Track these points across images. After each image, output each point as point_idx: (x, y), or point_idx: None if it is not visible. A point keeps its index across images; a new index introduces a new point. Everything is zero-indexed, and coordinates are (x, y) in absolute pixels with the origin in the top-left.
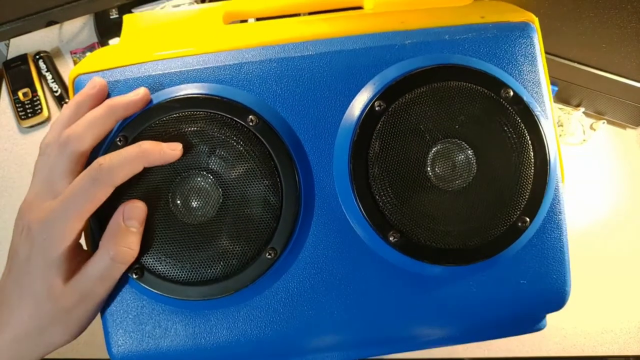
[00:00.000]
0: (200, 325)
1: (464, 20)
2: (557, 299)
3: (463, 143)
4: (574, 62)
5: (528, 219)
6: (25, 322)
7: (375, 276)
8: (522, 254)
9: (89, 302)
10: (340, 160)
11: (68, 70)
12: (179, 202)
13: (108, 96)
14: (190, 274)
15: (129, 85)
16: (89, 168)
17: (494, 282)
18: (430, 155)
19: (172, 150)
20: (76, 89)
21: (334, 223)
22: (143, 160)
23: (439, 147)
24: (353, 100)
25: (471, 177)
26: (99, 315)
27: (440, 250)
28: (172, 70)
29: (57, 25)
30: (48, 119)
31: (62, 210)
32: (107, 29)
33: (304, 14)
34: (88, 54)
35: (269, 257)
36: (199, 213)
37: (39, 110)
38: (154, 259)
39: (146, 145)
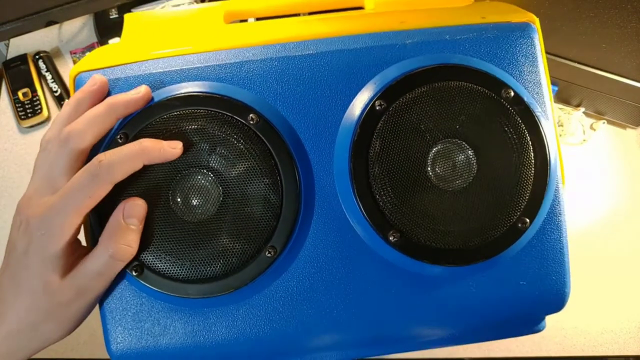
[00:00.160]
0: (199, 323)
1: (465, 20)
2: (556, 301)
3: (463, 143)
4: (574, 62)
5: (528, 220)
6: (21, 317)
7: (375, 276)
8: (522, 255)
9: (85, 298)
10: (340, 160)
11: (68, 70)
12: (179, 199)
13: (109, 94)
14: (190, 271)
15: (129, 83)
16: (88, 164)
17: (494, 282)
18: (431, 155)
19: (172, 149)
20: (77, 87)
21: (334, 222)
22: (143, 157)
23: (439, 147)
24: (354, 100)
25: (471, 178)
26: (99, 315)
27: (440, 251)
28: (173, 69)
29: (57, 25)
30: (48, 119)
31: (61, 206)
32: (107, 29)
33: (305, 14)
34: (88, 54)
35: (269, 255)
36: (199, 211)
37: (39, 110)
38: (153, 256)
39: (146, 143)
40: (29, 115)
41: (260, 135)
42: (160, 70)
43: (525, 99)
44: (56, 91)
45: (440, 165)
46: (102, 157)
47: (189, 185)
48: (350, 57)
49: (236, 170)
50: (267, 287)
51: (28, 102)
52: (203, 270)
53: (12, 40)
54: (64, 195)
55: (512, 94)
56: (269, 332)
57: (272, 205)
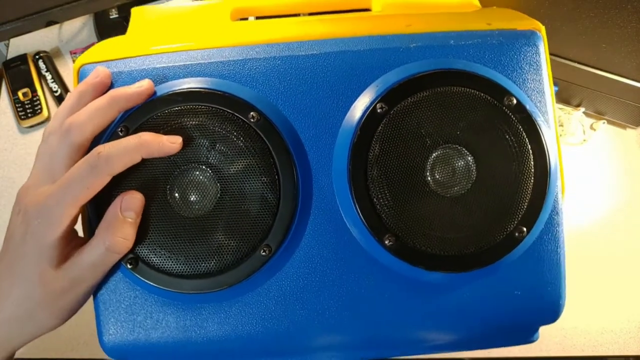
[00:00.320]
0: (191, 319)
1: (470, 26)
2: (551, 312)
3: (463, 149)
4: (574, 62)
5: (525, 229)
6: (15, 305)
7: (369, 279)
8: (518, 264)
9: (79, 289)
10: (339, 161)
11: (68, 70)
12: (176, 194)
13: (111, 86)
14: (185, 266)
15: (132, 77)
16: (87, 156)
17: (488, 291)
18: (430, 160)
19: (171, 143)
20: (80, 78)
21: (331, 223)
22: (142, 151)
23: (439, 152)
24: (355, 102)
25: (470, 184)
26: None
27: (435, 256)
28: (176, 64)
29: (57, 25)
30: (48, 119)
31: (59, 196)
32: (107, 29)
33: (310, 14)
34: (92, 46)
35: (264, 254)
36: (196, 207)
37: (39, 110)
38: (149, 250)
39: (146, 137)
40: (29, 115)
41: (260, 134)
42: (164, 65)
43: (528, 107)
44: (56, 91)
45: (439, 171)
46: (102, 148)
47: (187, 180)
48: (353, 58)
49: (235, 168)
50: (261, 286)
51: (28, 102)
52: (197, 266)
53: (12, 40)
54: (62, 185)
55: (515, 101)
56: (261, 331)
57: (269, 204)
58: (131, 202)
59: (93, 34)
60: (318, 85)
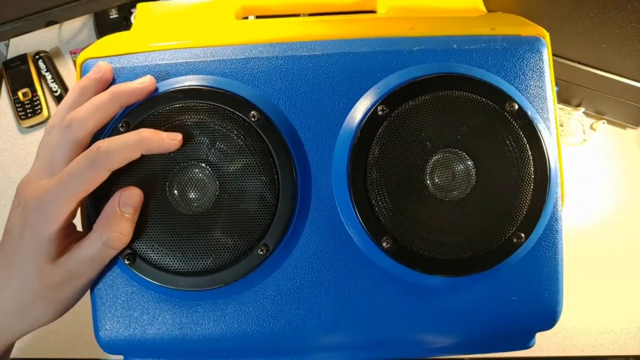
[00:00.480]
0: (187, 316)
1: (474, 30)
2: (547, 319)
3: (464, 154)
4: (574, 62)
5: (523, 235)
6: (12, 297)
7: (366, 281)
8: (516, 270)
9: (75, 283)
10: (339, 162)
11: (68, 70)
12: (175, 191)
13: (113, 82)
14: (182, 263)
15: (135, 73)
16: (87, 151)
17: (485, 296)
18: (430, 163)
19: (171, 140)
20: (83, 73)
21: (329, 224)
22: (141, 147)
23: (439, 156)
24: (356, 103)
25: (469, 189)
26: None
27: (433, 260)
28: (179, 61)
29: (57, 25)
30: (48, 119)
31: (58, 190)
32: (107, 29)
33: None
34: (96, 41)
35: (261, 253)
36: (195, 204)
37: (39, 110)
38: (146, 246)
39: (146, 133)
40: (29, 115)
41: (261, 133)
42: (166, 62)
43: (529, 113)
44: (56, 91)
45: (438, 175)
46: (101, 144)
47: (186, 177)
48: (356, 60)
49: (234, 166)
50: (258, 285)
51: (28, 102)
52: (195, 263)
53: (12, 40)
54: (61, 180)
55: (516, 107)
56: (257, 330)
57: (267, 204)
58: (129, 198)
59: (93, 34)
60: (320, 86)
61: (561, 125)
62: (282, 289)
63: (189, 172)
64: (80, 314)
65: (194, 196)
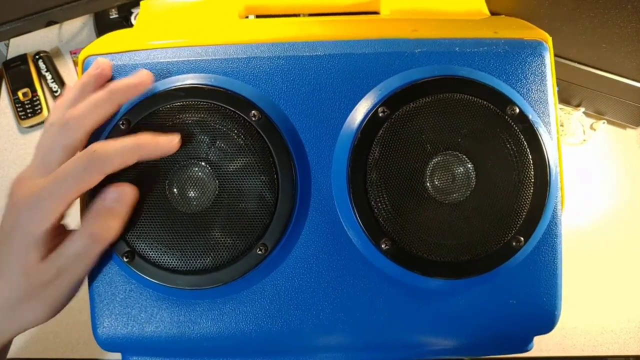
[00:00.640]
0: (185, 315)
1: (477, 33)
2: (545, 322)
3: (464, 156)
4: (574, 62)
5: (523, 239)
6: (1, 297)
7: (365, 282)
8: (514, 273)
9: (64, 280)
10: (339, 163)
11: (68, 70)
12: (175, 190)
13: (113, 79)
14: (180, 262)
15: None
16: (82, 152)
17: (483, 298)
18: (430, 166)
19: (168, 143)
20: (84, 69)
21: (328, 225)
22: (139, 153)
23: (439, 158)
24: (357, 105)
25: (469, 192)
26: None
27: (432, 262)
28: (181, 59)
29: (57, 25)
30: None
31: (50, 190)
32: (107, 29)
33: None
34: (99, 37)
35: (260, 252)
36: (194, 203)
37: (39, 110)
38: (145, 244)
39: (143, 139)
40: (29, 115)
41: (261, 132)
42: (168, 60)
43: (530, 117)
44: (56, 91)
45: (438, 177)
46: (97, 146)
47: (186, 176)
48: (357, 61)
49: (234, 165)
50: (256, 284)
51: (28, 102)
52: (193, 262)
53: (12, 40)
54: (53, 180)
55: (517, 111)
56: (255, 330)
57: (266, 203)
58: (118, 194)
59: (93, 34)
60: (321, 87)
61: (561, 125)
62: (281, 289)
63: (189, 171)
64: (80, 314)
65: (193, 195)
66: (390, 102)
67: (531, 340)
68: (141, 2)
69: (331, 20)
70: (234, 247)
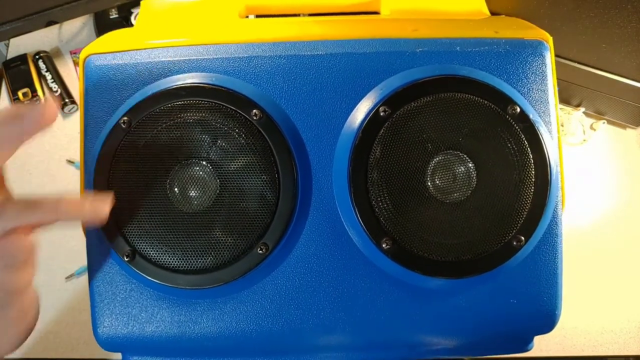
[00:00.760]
0: (186, 314)
1: (477, 33)
2: (546, 322)
3: (465, 156)
4: (574, 62)
5: (523, 239)
6: None
7: (365, 281)
8: (515, 273)
9: None
10: (340, 163)
11: (68, 70)
12: (176, 189)
13: (118, 78)
14: (181, 261)
15: (137, 70)
16: None
17: (484, 298)
18: (431, 165)
19: (94, 211)
20: (85, 68)
21: (329, 224)
22: (56, 217)
23: (440, 157)
24: (358, 104)
25: (470, 191)
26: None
27: (433, 262)
28: (182, 58)
29: (57, 25)
30: None
31: None
32: (107, 29)
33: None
34: (101, 36)
35: (261, 252)
36: (195, 202)
37: None
38: (146, 243)
39: (65, 206)
40: None
41: (262, 132)
42: (169, 59)
43: (531, 116)
44: (56, 91)
45: (439, 177)
46: (12, 204)
47: (187, 175)
48: (358, 60)
49: (235, 165)
50: (257, 284)
51: (28, 102)
52: (194, 261)
53: (12, 40)
54: None
55: (518, 110)
56: (255, 329)
57: (267, 203)
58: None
59: (93, 34)
60: (322, 86)
61: (561, 125)
62: (281, 288)
63: (190, 170)
64: (80, 314)
65: (194, 194)
66: (391, 101)
67: (531, 340)
68: (142, 2)
69: (332, 20)
70: (234, 247)
